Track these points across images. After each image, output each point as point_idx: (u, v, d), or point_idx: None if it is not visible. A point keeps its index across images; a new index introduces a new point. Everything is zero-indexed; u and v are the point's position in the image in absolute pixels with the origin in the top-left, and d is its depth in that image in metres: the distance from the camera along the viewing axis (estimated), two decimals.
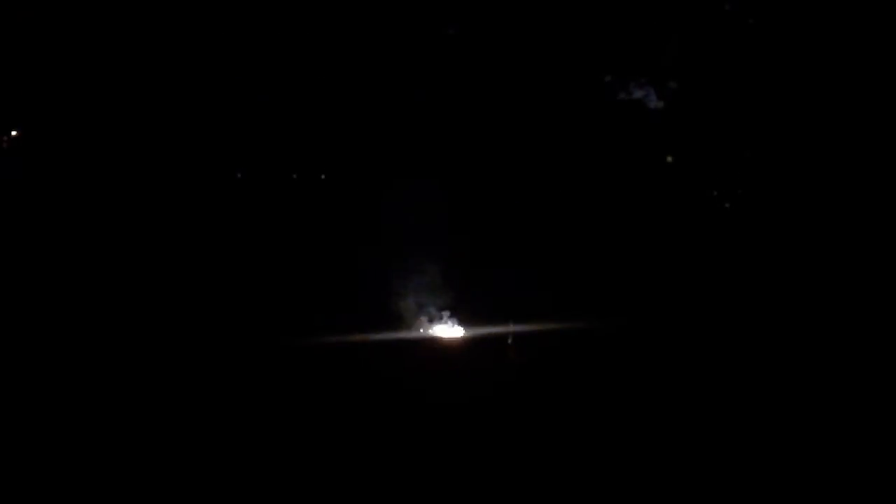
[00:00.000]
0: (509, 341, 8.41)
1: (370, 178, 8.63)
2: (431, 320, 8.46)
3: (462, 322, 8.50)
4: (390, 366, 8.12)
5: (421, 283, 8.41)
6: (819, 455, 7.18)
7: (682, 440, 7.44)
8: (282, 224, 8.62)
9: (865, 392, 7.87)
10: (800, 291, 8.57)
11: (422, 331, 8.48)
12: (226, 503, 6.76)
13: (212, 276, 8.37)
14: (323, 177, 8.67)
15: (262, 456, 7.13)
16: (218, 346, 8.07)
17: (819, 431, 7.48)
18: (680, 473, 7.13)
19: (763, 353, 8.27)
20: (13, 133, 8.66)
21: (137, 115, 8.59)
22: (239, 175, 8.68)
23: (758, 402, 7.83)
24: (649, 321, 8.49)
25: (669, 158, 8.58)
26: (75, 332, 7.93)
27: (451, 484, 7.09)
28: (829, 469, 7.02)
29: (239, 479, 6.91)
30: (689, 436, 7.49)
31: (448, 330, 8.51)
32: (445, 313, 8.50)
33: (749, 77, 8.49)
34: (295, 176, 8.71)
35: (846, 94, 8.40)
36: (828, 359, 8.07)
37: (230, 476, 6.92)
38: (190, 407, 7.50)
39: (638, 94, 8.46)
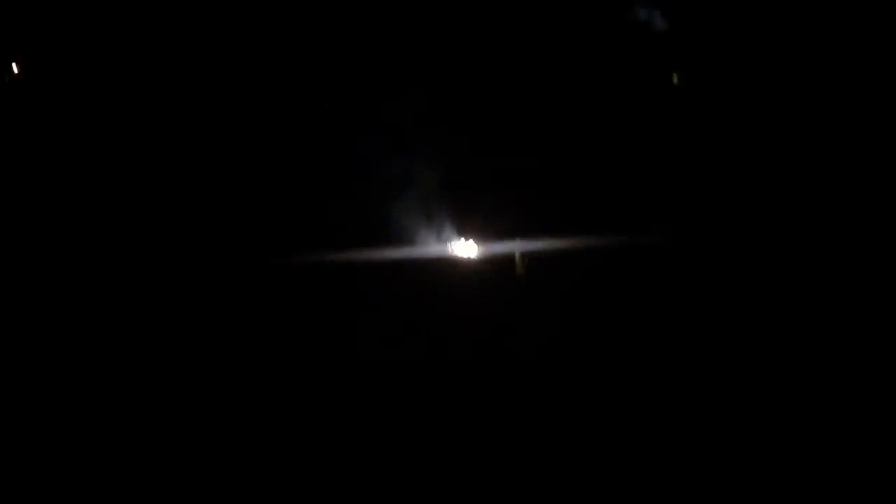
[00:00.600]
0: (518, 258, 8.42)
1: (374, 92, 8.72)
2: (439, 238, 8.49)
3: (470, 239, 8.53)
4: (398, 285, 8.10)
5: (429, 201, 8.44)
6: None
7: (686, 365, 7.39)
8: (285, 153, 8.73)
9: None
10: (804, 215, 8.60)
11: (430, 249, 8.50)
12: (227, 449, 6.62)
13: (209, 190, 8.47)
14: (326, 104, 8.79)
15: (261, 387, 7.06)
16: (219, 265, 8.10)
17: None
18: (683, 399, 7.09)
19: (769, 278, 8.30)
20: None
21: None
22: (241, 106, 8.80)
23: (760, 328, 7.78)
24: (657, 240, 8.53)
25: (675, 79, 8.63)
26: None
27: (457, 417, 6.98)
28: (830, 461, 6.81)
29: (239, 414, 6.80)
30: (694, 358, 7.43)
31: (456, 248, 8.53)
32: (453, 231, 8.52)
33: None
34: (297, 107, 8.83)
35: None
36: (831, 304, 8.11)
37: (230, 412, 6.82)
38: (189, 332, 7.52)
39: (643, 16, 8.55)
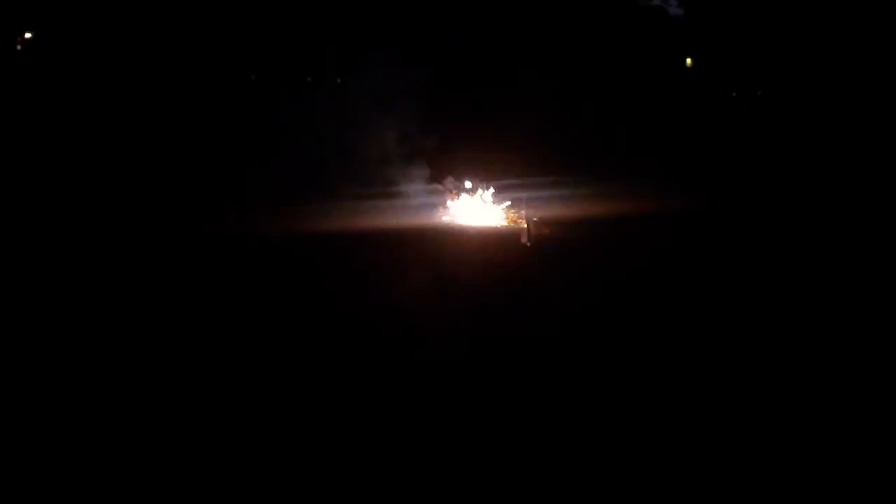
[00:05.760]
0: (526, 226, 9.33)
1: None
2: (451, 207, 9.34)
3: (480, 209, 9.40)
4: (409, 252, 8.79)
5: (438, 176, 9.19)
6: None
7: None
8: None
9: None
10: (810, 193, 8.92)
11: (443, 219, 9.42)
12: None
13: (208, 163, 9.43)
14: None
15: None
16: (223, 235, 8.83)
17: None
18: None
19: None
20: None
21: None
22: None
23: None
24: (661, 214, 9.12)
25: (689, 61, 8.98)
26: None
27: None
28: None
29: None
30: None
31: (467, 217, 9.42)
32: (465, 200, 9.35)
33: None
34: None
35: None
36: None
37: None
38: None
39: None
